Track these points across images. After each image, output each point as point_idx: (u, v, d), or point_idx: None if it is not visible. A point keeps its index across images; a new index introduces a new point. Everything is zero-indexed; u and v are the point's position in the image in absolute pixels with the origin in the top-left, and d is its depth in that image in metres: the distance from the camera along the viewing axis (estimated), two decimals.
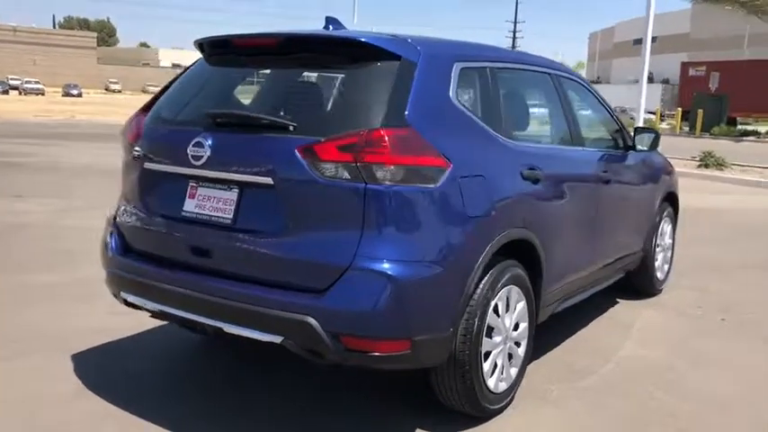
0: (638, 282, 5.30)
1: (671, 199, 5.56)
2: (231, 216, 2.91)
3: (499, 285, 3.11)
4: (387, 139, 2.69)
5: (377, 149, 2.68)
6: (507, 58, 3.76)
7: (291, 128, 2.80)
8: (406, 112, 2.80)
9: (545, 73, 4.07)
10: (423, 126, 2.83)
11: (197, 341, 4.13)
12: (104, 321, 4.33)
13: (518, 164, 3.35)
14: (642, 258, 5.13)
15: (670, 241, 5.69)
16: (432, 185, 2.79)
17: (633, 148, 4.79)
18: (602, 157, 4.38)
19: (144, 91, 78.85)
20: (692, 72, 40.30)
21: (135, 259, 3.23)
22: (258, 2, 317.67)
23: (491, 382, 3.17)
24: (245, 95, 3.38)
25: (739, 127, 33.04)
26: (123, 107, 40.62)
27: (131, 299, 3.22)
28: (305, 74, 3.35)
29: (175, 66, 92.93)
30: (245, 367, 3.79)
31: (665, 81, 67.73)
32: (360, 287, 2.67)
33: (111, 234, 3.40)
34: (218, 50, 3.37)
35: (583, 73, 58.10)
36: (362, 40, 2.95)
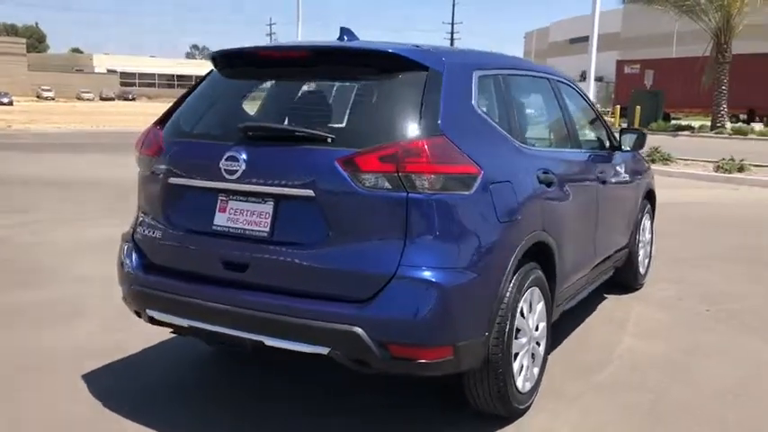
0: (624, 277, 5.48)
1: (650, 196, 5.78)
2: (268, 229, 2.90)
3: (524, 288, 3.19)
4: (426, 148, 2.74)
5: (417, 159, 2.72)
6: (512, 65, 3.85)
7: (329, 140, 2.82)
8: (439, 122, 2.85)
9: (544, 78, 4.19)
10: (454, 134, 2.88)
11: (206, 352, 4.10)
12: (100, 338, 4.28)
13: (534, 168, 3.43)
14: (628, 254, 5.31)
15: (649, 236, 5.91)
16: (467, 192, 2.85)
17: (619, 148, 4.96)
18: (597, 158, 4.52)
19: (79, 98, 76.50)
20: (627, 70, 41.61)
21: (160, 275, 3.18)
22: (191, 4, 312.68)
23: (519, 383, 3.25)
24: (270, 108, 3.37)
25: (673, 122, 34.25)
26: (58, 114, 39.46)
27: (159, 316, 3.17)
28: (333, 85, 3.36)
29: (111, 72, 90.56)
30: (256, 376, 3.78)
31: (599, 79, 69.50)
32: (406, 295, 2.71)
33: (130, 250, 3.34)
34: (238, 63, 3.35)
35: None
36: (391, 51, 2.98)
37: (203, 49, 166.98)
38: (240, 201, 2.99)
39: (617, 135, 5.04)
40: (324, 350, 2.77)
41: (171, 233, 3.17)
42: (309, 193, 2.80)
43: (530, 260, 3.28)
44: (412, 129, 2.81)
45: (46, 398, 3.47)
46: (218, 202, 3.04)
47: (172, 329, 3.40)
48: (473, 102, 3.14)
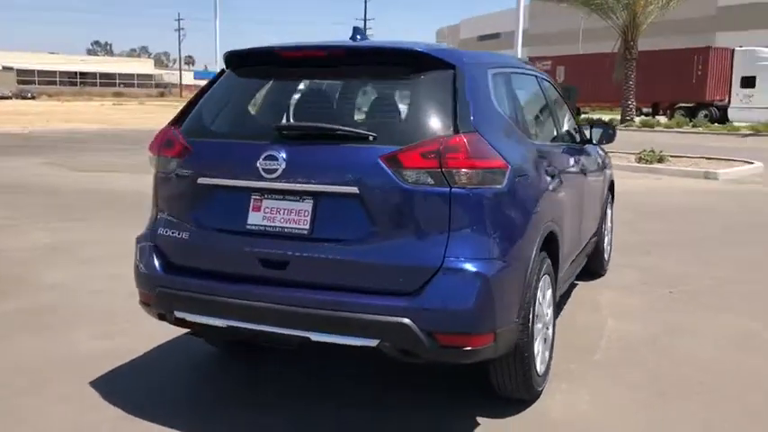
0: (592, 264, 5.77)
1: (611, 187, 6.11)
2: (308, 226, 2.95)
3: (541, 275, 3.36)
4: (465, 144, 2.85)
5: (457, 155, 2.83)
6: (510, 63, 4.01)
7: (371, 138, 2.89)
8: (471, 118, 2.96)
9: (532, 75, 4.38)
10: (483, 130, 3.00)
11: (213, 351, 4.08)
12: (99, 344, 4.19)
13: (542, 161, 3.60)
14: (596, 242, 5.60)
15: (611, 225, 6.25)
16: (499, 186, 2.97)
17: (590, 141, 5.22)
18: (578, 151, 4.76)
19: None
20: (538, 66, 42.91)
21: (189, 276, 3.16)
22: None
23: (537, 365, 3.42)
24: (299, 107, 3.38)
25: (584, 116, 35.72)
26: None
27: (190, 317, 3.15)
28: (360, 84, 3.38)
29: (6, 69, 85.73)
30: (265, 372, 3.83)
31: None
32: (452, 286, 2.82)
33: (151, 252, 3.29)
34: (258, 63, 3.36)
35: None
36: (420, 50, 3.07)
37: (106, 46, 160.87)
38: (276, 199, 3.02)
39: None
40: (372, 342, 2.84)
41: (200, 233, 3.15)
42: (354, 190, 2.86)
43: (541, 249, 3.45)
44: (447, 125, 2.92)
45: (57, 408, 3.38)
46: (252, 201, 3.05)
47: (191, 330, 3.39)
48: (492, 98, 3.27)
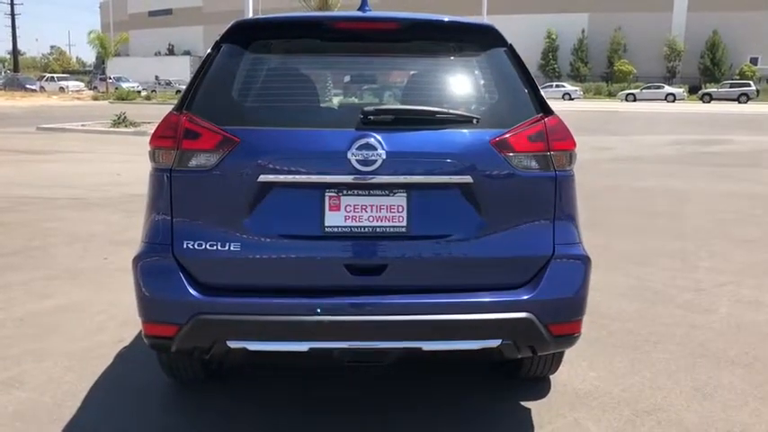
0: None
1: None
2: (404, 223, 2.58)
3: None
4: (561, 125, 2.75)
5: (558, 136, 2.71)
6: None
7: (475, 120, 2.61)
8: (543, 97, 2.84)
9: None
10: None
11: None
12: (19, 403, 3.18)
13: None
14: None
15: None
16: (573, 167, 2.86)
17: None
18: None
19: None
20: None
21: (245, 296, 2.55)
22: None
23: None
24: (368, 87, 2.86)
25: None
26: None
27: (255, 346, 2.55)
28: (429, 60, 2.90)
29: None
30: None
31: (187, 53, 69.85)
32: (565, 274, 2.71)
33: (172, 272, 2.58)
34: (297, 35, 2.80)
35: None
36: (490, 25, 2.85)
37: None
38: (359, 195, 2.58)
39: None
40: (494, 343, 2.61)
41: (257, 243, 2.56)
42: (466, 179, 2.58)
43: None
44: (531, 105, 2.75)
45: None
46: (327, 199, 2.57)
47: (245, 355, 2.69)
48: None
